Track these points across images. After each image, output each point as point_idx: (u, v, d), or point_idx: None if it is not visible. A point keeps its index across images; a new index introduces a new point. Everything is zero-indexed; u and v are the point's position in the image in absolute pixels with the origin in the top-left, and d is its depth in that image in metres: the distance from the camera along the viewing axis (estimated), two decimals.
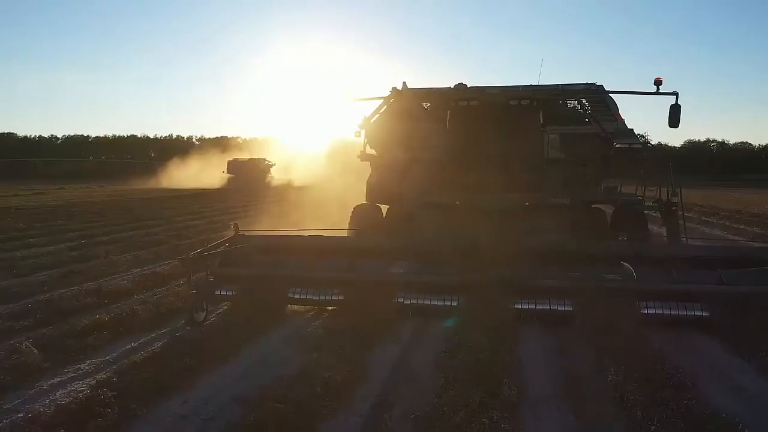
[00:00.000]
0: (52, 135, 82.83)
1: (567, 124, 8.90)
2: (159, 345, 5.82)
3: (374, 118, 9.30)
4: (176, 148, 75.41)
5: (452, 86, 8.94)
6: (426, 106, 8.75)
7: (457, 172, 8.28)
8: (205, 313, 6.61)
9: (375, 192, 9.49)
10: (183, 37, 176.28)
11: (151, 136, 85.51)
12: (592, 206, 9.27)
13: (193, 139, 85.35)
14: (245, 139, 79.44)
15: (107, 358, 5.53)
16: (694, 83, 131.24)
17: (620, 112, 9.16)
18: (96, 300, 7.53)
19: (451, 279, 6.65)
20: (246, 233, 7.89)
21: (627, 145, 8.94)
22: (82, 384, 4.80)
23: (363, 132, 9.44)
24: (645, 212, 9.79)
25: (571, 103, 9.64)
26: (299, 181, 35.13)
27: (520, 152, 8.27)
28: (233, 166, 49.69)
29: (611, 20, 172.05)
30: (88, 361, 5.43)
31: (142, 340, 6.07)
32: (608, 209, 9.81)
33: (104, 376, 4.94)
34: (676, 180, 9.03)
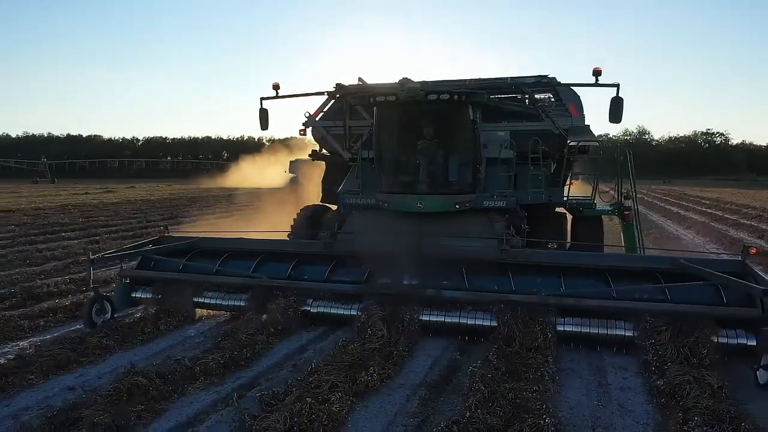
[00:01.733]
0: (133, 137, 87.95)
1: (519, 120, 8.24)
2: (96, 327, 6.47)
3: (319, 116, 8.97)
4: (247, 148, 78.07)
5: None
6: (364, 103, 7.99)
7: (387, 173, 7.88)
8: (109, 314, 6.71)
9: (325, 192, 9.52)
10: (257, 43, 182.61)
11: (224, 137, 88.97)
12: (556, 210, 8.78)
13: (264, 140, 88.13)
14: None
15: (47, 337, 6.25)
16: None
17: (582, 107, 8.35)
18: (74, 287, 8.37)
19: (355, 287, 6.50)
20: (172, 235, 8.06)
21: (576, 143, 8.27)
22: (2, 359, 5.48)
23: (309, 130, 9.14)
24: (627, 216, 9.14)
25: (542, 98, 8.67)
26: None
27: (450, 151, 7.75)
28: (294, 166, 51.08)
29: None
30: (28, 340, 6.16)
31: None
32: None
33: (27, 352, 5.62)
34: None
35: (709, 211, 22.68)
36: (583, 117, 8.25)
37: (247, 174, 56.97)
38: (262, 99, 8.44)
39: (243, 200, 25.65)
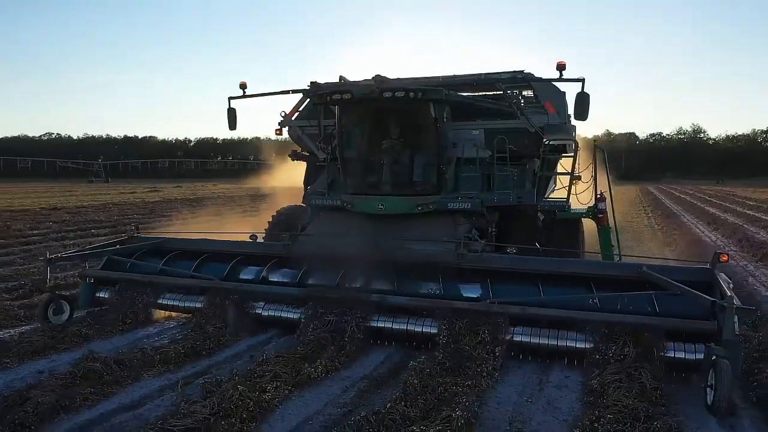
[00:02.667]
0: (186, 138, 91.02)
1: (494, 118, 7.89)
2: (78, 317, 6.86)
3: (295, 116, 8.88)
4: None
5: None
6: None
7: (349, 173, 7.78)
8: (67, 314, 6.73)
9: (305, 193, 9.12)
10: (303, 44, 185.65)
11: (272, 138, 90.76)
12: (532, 213, 8.19)
13: None
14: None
15: (37, 325, 6.66)
16: None
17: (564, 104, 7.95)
18: (80, 281, 8.82)
19: (300, 290, 6.38)
20: (141, 235, 8.10)
21: (547, 141, 7.81)
22: None
23: (285, 130, 9.02)
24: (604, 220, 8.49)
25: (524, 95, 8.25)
26: None
27: (412, 150, 7.53)
28: None
29: None
30: (22, 327, 6.62)
31: (77, 315, 7.01)
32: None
33: (13, 338, 6.07)
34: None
35: (749, 212, 21.85)
36: (563, 114, 7.91)
37: (293, 173, 58.03)
38: (230, 99, 8.35)
39: (275, 199, 26.25)
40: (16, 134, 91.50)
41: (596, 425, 4.06)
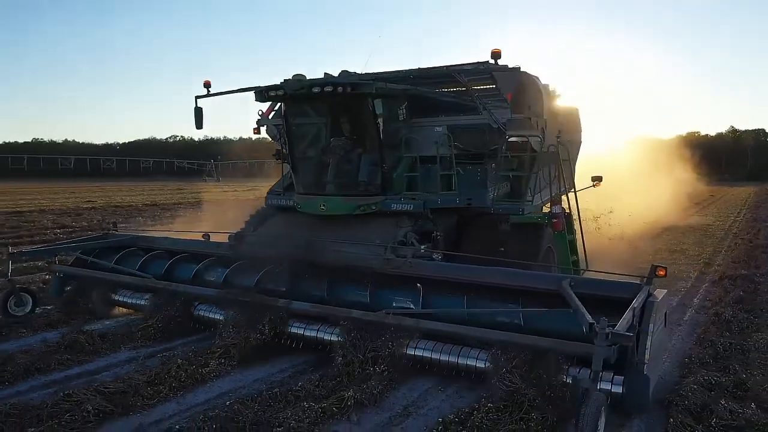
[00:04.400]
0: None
1: (458, 114, 7.49)
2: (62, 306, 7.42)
3: (271, 114, 8.66)
4: None
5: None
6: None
7: (297, 172, 7.72)
8: (29, 307, 6.92)
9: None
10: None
11: None
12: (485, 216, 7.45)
13: None
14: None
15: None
16: None
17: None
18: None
19: (217, 291, 6.30)
20: (116, 232, 8.42)
21: (518, 138, 7.29)
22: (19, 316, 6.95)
23: (263, 129, 8.82)
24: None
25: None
26: None
27: (355, 149, 7.30)
28: None
29: None
30: (48, 305, 7.59)
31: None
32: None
33: (37, 312, 7.07)
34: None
35: None
36: (533, 109, 7.49)
37: None
38: (196, 98, 7.96)
39: None
40: (145, 137, 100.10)
41: (474, 411, 4.27)
